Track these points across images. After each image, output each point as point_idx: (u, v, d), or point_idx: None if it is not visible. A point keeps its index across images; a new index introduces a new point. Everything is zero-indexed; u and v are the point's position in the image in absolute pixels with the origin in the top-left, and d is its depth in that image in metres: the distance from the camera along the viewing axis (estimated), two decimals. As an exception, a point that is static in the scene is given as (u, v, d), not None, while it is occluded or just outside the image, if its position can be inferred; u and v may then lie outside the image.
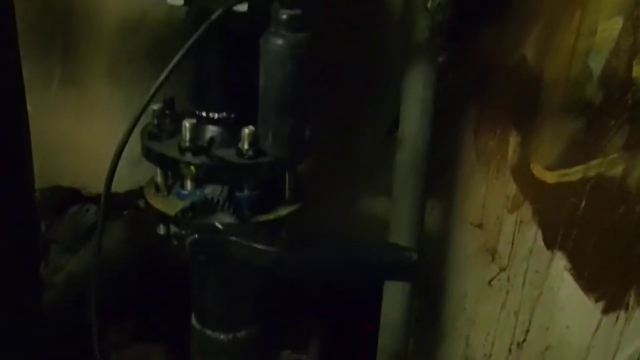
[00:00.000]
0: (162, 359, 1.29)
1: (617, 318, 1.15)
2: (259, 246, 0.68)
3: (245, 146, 0.77)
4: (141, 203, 1.31)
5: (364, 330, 1.22)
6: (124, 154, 1.16)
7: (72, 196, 1.33)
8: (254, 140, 0.77)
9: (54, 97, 1.22)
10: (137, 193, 1.22)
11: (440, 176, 1.14)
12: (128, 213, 1.34)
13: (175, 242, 0.75)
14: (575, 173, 1.08)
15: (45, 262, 1.31)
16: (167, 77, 0.66)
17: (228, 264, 0.72)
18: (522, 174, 1.12)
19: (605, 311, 1.15)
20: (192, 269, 0.83)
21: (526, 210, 1.13)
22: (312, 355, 1.27)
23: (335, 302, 1.29)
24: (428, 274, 1.21)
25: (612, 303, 1.14)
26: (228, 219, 0.73)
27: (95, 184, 1.29)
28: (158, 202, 0.84)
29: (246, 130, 0.77)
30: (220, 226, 0.70)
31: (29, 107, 0.88)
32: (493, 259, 1.19)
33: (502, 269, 1.19)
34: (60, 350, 1.13)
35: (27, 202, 0.91)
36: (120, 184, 1.26)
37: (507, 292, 1.20)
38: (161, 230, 0.84)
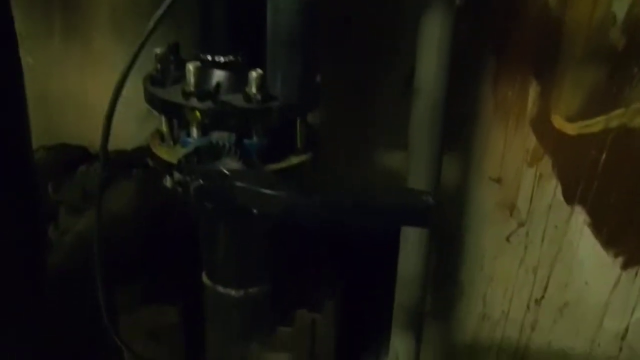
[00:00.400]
0: (174, 320, 1.27)
1: (637, 274, 1.14)
2: (268, 191, 0.64)
3: (253, 90, 0.73)
4: (150, 161, 1.29)
5: (381, 290, 1.20)
6: (131, 110, 1.14)
7: (80, 155, 1.30)
8: (263, 84, 0.74)
9: (56, 50, 1.20)
10: (146, 150, 1.20)
11: (458, 130, 1.11)
12: (137, 172, 1.32)
13: (179, 190, 0.72)
14: (596, 124, 1.06)
15: (55, 224, 1.29)
16: (166, 11, 0.63)
17: (236, 212, 0.69)
18: (542, 125, 1.09)
19: (625, 267, 1.14)
20: (200, 220, 0.80)
21: (546, 164, 1.11)
22: (327, 315, 1.25)
23: (351, 261, 1.27)
24: (445, 230, 1.19)
25: (632, 258, 1.13)
26: (235, 164, 0.70)
27: (103, 141, 1.27)
28: (163, 152, 0.81)
29: (254, 74, 0.73)
30: (226, 172, 0.67)
31: (29, 58, 0.85)
32: (512, 214, 1.17)
33: (521, 225, 1.17)
34: (68, 313, 1.11)
35: (26, 162, 0.88)
36: (129, 141, 1.24)
37: (526, 248, 1.18)
38: (168, 182, 0.81)
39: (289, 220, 0.66)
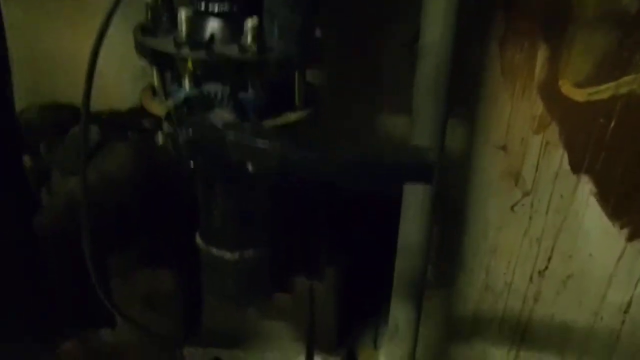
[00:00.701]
0: (169, 285, 1.25)
1: (642, 246, 1.12)
2: (261, 144, 0.61)
3: (249, 40, 0.70)
4: (145, 123, 1.26)
5: (382, 259, 1.17)
6: (126, 68, 1.11)
7: (73, 115, 1.27)
8: (259, 34, 0.70)
9: (48, 3, 1.15)
10: (140, 111, 1.17)
11: (463, 95, 1.07)
12: (132, 134, 1.29)
13: (169, 144, 0.69)
14: (605, 90, 1.03)
15: (47, 186, 1.26)
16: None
17: (228, 166, 0.65)
18: (549, 91, 1.06)
19: (630, 239, 1.13)
20: (192, 177, 0.77)
21: (553, 132, 1.08)
22: (327, 283, 1.23)
23: (353, 230, 1.25)
24: (448, 198, 1.16)
25: (638, 230, 1.11)
26: (228, 116, 0.67)
27: (96, 101, 1.24)
28: (155, 107, 0.77)
29: (249, 23, 0.69)
30: (218, 124, 0.64)
31: (18, 12, 0.81)
32: (517, 183, 1.14)
33: (526, 194, 1.14)
34: (60, 273, 1.09)
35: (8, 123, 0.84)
36: (123, 101, 1.21)
37: (531, 218, 1.16)
38: (159, 137, 0.77)
39: (284, 178, 0.62)
